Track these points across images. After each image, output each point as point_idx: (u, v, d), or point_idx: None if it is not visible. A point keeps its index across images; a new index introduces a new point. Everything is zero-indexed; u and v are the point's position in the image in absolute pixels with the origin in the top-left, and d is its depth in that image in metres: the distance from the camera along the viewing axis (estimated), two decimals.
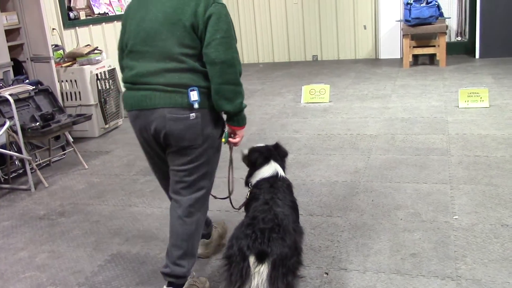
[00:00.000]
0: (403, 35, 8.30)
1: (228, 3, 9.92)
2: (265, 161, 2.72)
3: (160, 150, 2.47)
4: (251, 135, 5.31)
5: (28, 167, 4.27)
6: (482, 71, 7.51)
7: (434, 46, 8.19)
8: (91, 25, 6.97)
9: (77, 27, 6.68)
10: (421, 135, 4.84)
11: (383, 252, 2.87)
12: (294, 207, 2.56)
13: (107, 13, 7.32)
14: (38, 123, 4.43)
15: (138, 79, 2.37)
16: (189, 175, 2.46)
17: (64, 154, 5.00)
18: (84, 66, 5.56)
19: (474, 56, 8.57)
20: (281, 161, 2.77)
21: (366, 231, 3.13)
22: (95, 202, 3.92)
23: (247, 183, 2.77)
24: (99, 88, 5.63)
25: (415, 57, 8.52)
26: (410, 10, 8.11)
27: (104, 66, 5.76)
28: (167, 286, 2.51)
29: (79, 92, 5.57)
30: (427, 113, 5.53)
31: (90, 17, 7.01)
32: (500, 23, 8.28)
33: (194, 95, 2.31)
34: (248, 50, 10.08)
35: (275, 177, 2.64)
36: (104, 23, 7.27)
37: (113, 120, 5.89)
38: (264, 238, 2.12)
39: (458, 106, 5.65)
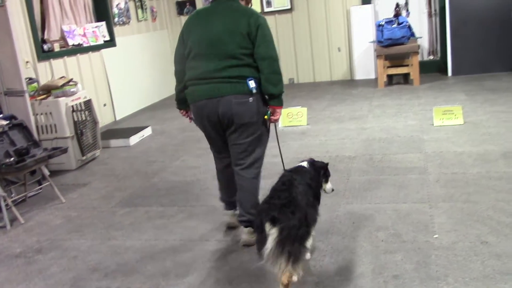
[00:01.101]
0: (376, 56, 8.44)
1: None
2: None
3: (221, 130, 3.27)
4: None
5: (3, 204, 4.18)
6: (455, 88, 7.65)
7: (407, 65, 8.34)
8: (65, 57, 6.95)
9: (51, 59, 6.65)
10: (399, 155, 4.88)
11: (365, 276, 2.86)
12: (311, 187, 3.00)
13: (82, 44, 7.31)
14: (12, 159, 4.36)
15: (205, 75, 3.15)
16: (249, 145, 3.26)
17: (40, 188, 4.91)
18: (59, 98, 5.51)
19: (447, 74, 8.75)
20: (313, 165, 3.19)
21: (348, 254, 3.12)
22: (73, 237, 3.85)
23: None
24: (75, 119, 5.58)
25: (390, 77, 8.66)
26: (382, 31, 8.27)
27: (79, 98, 5.72)
28: (245, 227, 3.36)
29: (55, 125, 5.51)
30: (404, 132, 5.60)
31: (65, 48, 6.99)
32: (470, 41, 8.49)
33: (252, 83, 3.12)
34: None
35: (300, 168, 3.13)
36: (79, 54, 7.26)
37: (90, 152, 5.82)
38: (277, 209, 2.61)
39: (433, 124, 5.73)
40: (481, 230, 3.23)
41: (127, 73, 8.54)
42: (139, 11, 9.03)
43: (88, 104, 5.85)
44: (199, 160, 5.47)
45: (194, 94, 3.24)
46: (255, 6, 9.23)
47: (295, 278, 2.60)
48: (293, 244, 2.52)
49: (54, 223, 4.17)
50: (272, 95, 3.20)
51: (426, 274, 2.81)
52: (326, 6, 9.38)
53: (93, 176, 5.32)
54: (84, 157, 5.69)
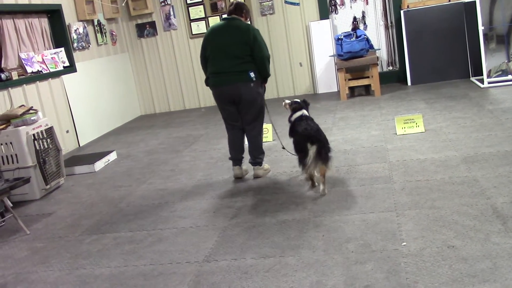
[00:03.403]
0: (337, 69, 8.60)
1: (166, 47, 10.01)
2: (299, 108, 4.76)
3: (233, 105, 4.91)
4: (198, 181, 5.27)
5: None
6: (415, 97, 7.84)
7: (368, 77, 8.51)
8: (24, 85, 6.83)
9: (9, 88, 6.52)
10: (364, 165, 4.96)
11: None
12: (316, 124, 4.62)
13: (41, 71, 7.20)
14: None
15: (222, 69, 4.80)
16: (255, 114, 4.95)
17: (3, 221, 4.77)
18: (20, 128, 5.39)
19: (407, 84, 8.97)
20: (307, 108, 4.80)
21: (320, 268, 3.13)
22: (39, 269, 3.74)
23: (289, 120, 4.78)
24: (37, 148, 5.47)
25: (351, 89, 8.81)
26: (341, 45, 8.43)
27: (40, 126, 5.62)
28: (254, 165, 5.09)
29: (16, 155, 5.38)
30: (368, 143, 5.69)
31: (23, 76, 6.87)
32: (426, 50, 8.74)
33: (252, 74, 4.77)
34: (189, 95, 10.12)
35: (305, 115, 4.70)
36: (38, 82, 7.15)
37: (54, 180, 5.70)
38: (313, 134, 4.37)
39: (396, 133, 5.85)
40: (447, 235, 3.30)
41: (89, 98, 8.44)
42: (99, 35, 8.96)
43: (49, 131, 5.74)
44: (166, 182, 5.43)
45: (215, 82, 4.89)
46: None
47: (328, 172, 4.35)
48: (325, 153, 4.27)
49: (19, 256, 4.05)
50: (263, 78, 4.94)
51: (397, 282, 2.84)
52: (286, 22, 9.52)
53: (58, 205, 5.21)
54: (48, 186, 5.56)
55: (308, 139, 4.26)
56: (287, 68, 9.69)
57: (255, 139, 5.05)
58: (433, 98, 7.56)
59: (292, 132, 4.70)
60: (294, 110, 4.80)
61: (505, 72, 7.82)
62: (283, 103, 4.95)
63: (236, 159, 5.14)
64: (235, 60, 4.74)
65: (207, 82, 5.05)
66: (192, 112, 9.57)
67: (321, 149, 4.24)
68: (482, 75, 7.93)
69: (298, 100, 4.88)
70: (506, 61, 7.83)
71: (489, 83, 7.81)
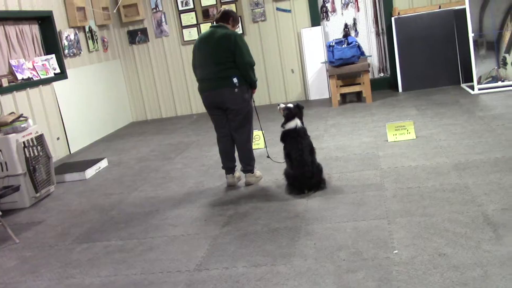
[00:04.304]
0: (329, 76, 8.62)
1: (157, 54, 10.00)
2: (292, 116, 4.73)
3: (221, 111, 4.94)
4: (190, 188, 5.25)
5: None
6: (406, 104, 7.87)
7: (359, 84, 8.54)
8: (14, 92, 6.79)
9: None
10: (356, 172, 4.96)
11: None
12: (309, 141, 4.73)
13: (31, 78, 7.16)
14: None
15: (207, 76, 4.87)
16: (242, 120, 4.94)
17: None
18: (9, 135, 5.35)
19: (398, 90, 9.01)
20: (301, 113, 4.78)
21: (311, 276, 3.12)
22: (28, 279, 3.70)
23: (282, 126, 4.80)
24: (27, 156, 5.42)
25: (343, 95, 8.84)
26: (333, 52, 8.46)
27: (31, 133, 5.58)
28: (245, 173, 5.10)
29: (6, 163, 5.33)
30: (359, 150, 5.70)
31: (14, 83, 6.83)
32: (417, 57, 8.79)
33: (235, 79, 4.79)
34: (181, 102, 10.11)
35: (298, 128, 4.70)
36: (28, 89, 7.11)
37: (44, 188, 5.66)
38: (302, 148, 4.58)
39: (387, 140, 5.87)
40: (439, 243, 3.30)
41: (80, 105, 8.40)
42: (90, 42, 8.94)
43: (40, 139, 5.70)
44: (158, 189, 5.40)
45: (201, 88, 4.98)
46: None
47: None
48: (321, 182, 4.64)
49: (8, 266, 4.00)
50: (249, 84, 4.93)
51: None
52: (277, 29, 9.55)
53: (48, 213, 5.16)
54: (38, 194, 5.52)
55: (304, 184, 4.54)
56: (279, 74, 9.71)
57: (244, 146, 5.04)
58: (424, 104, 7.60)
59: (284, 143, 4.75)
60: (286, 118, 4.76)
61: (495, 79, 7.88)
62: (278, 108, 4.88)
63: (229, 168, 5.14)
64: (219, 66, 4.78)
65: (198, 90, 5.09)
66: (184, 119, 9.55)
67: (318, 184, 4.61)
68: (472, 81, 7.98)
69: (291, 106, 4.80)
70: (496, 67, 7.88)
71: (479, 89, 7.86)
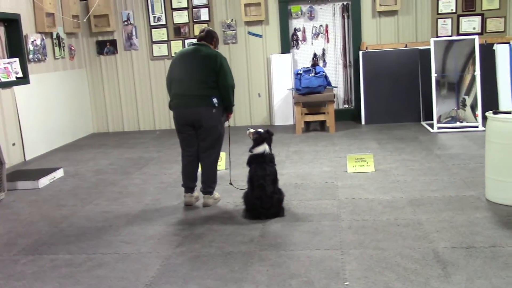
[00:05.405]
0: (294, 103, 8.71)
1: (125, 67, 9.91)
2: (261, 141, 4.72)
3: (193, 130, 4.88)
4: (146, 205, 5.16)
5: None
6: (367, 136, 8.02)
7: (324, 113, 8.66)
8: None
9: None
10: (314, 201, 4.99)
11: None
12: (274, 169, 4.71)
13: None
14: None
15: (185, 92, 4.81)
16: (213, 141, 4.91)
17: None
18: None
19: (361, 123, 9.17)
20: (270, 139, 4.80)
21: None
22: None
23: (250, 150, 4.75)
24: None
25: (307, 123, 8.93)
26: (300, 80, 8.57)
27: None
28: (204, 194, 5.03)
29: None
30: (319, 179, 5.74)
31: None
32: (382, 92, 9.01)
33: (215, 100, 4.79)
34: (144, 117, 10.00)
35: (265, 154, 4.70)
36: None
37: None
38: (265, 175, 4.57)
39: (347, 171, 5.94)
40: (389, 277, 3.33)
41: (41, 112, 8.21)
42: (57, 48, 8.78)
43: None
44: (113, 204, 5.28)
45: (177, 104, 4.88)
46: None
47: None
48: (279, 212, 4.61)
49: None
50: (226, 106, 4.94)
51: None
52: (248, 52, 9.62)
53: None
54: None
55: (263, 213, 4.51)
56: (246, 97, 9.75)
57: (210, 168, 5.01)
58: (385, 139, 7.75)
59: (250, 167, 4.72)
60: (255, 142, 4.76)
61: (454, 119, 8.12)
62: (248, 132, 4.87)
63: (189, 187, 5.10)
64: (200, 84, 4.75)
65: (171, 105, 5.02)
66: (147, 134, 9.44)
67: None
68: (432, 120, 8.21)
69: (261, 131, 4.82)
70: (455, 108, 8.14)
71: (438, 128, 8.08)
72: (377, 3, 9.09)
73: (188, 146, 5.00)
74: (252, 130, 4.85)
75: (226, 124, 5.13)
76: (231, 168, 5.53)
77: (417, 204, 4.73)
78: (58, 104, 8.79)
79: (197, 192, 5.17)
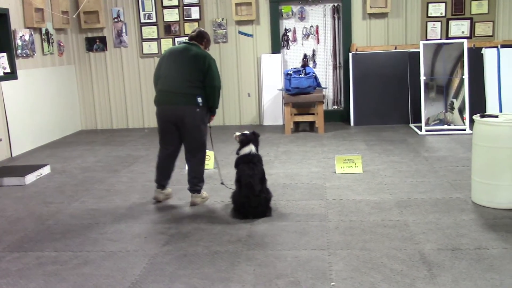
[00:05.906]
0: (284, 103, 8.72)
1: (114, 64, 9.86)
2: (247, 142, 4.73)
3: (174, 128, 4.88)
4: (133, 203, 5.14)
5: None
6: (356, 138, 8.05)
7: (313, 114, 8.68)
8: None
9: None
10: (302, 201, 4.99)
11: None
12: (262, 169, 4.72)
13: None
14: None
15: (171, 89, 4.83)
16: (197, 140, 4.92)
17: None
18: None
19: (349, 124, 9.20)
20: (256, 140, 4.80)
21: None
22: None
23: (237, 152, 4.77)
24: None
25: (296, 124, 8.95)
26: (290, 80, 8.58)
27: None
28: (192, 193, 5.02)
29: None
30: (307, 179, 5.76)
31: None
32: (371, 94, 9.04)
33: (199, 99, 4.79)
34: (133, 114, 9.95)
35: (252, 155, 4.71)
36: None
37: None
38: (253, 174, 4.57)
39: (335, 172, 5.96)
40: (375, 278, 3.34)
41: (28, 107, 8.13)
42: (45, 44, 8.71)
43: None
44: (100, 202, 5.25)
45: (160, 100, 4.92)
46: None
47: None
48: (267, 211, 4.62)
49: None
50: (210, 107, 4.93)
51: None
52: (238, 52, 9.61)
53: None
54: None
55: (250, 212, 4.51)
56: (235, 97, 9.74)
57: (196, 168, 5.02)
58: (373, 140, 7.79)
59: (237, 168, 4.73)
60: (241, 143, 4.77)
61: (442, 122, 8.19)
62: (234, 136, 4.89)
63: (161, 184, 5.15)
64: (186, 82, 4.76)
65: (155, 101, 5.03)
66: (135, 132, 9.40)
67: (265, 211, 4.59)
68: (420, 122, 8.26)
69: (247, 133, 4.84)
70: (443, 111, 8.20)
71: (426, 130, 8.14)
72: (368, 5, 9.13)
73: (166, 143, 5.02)
74: (238, 133, 4.87)
75: (209, 125, 5.13)
76: (220, 167, 5.52)
77: (404, 205, 4.76)
78: (46, 100, 8.72)
79: (170, 189, 5.24)
